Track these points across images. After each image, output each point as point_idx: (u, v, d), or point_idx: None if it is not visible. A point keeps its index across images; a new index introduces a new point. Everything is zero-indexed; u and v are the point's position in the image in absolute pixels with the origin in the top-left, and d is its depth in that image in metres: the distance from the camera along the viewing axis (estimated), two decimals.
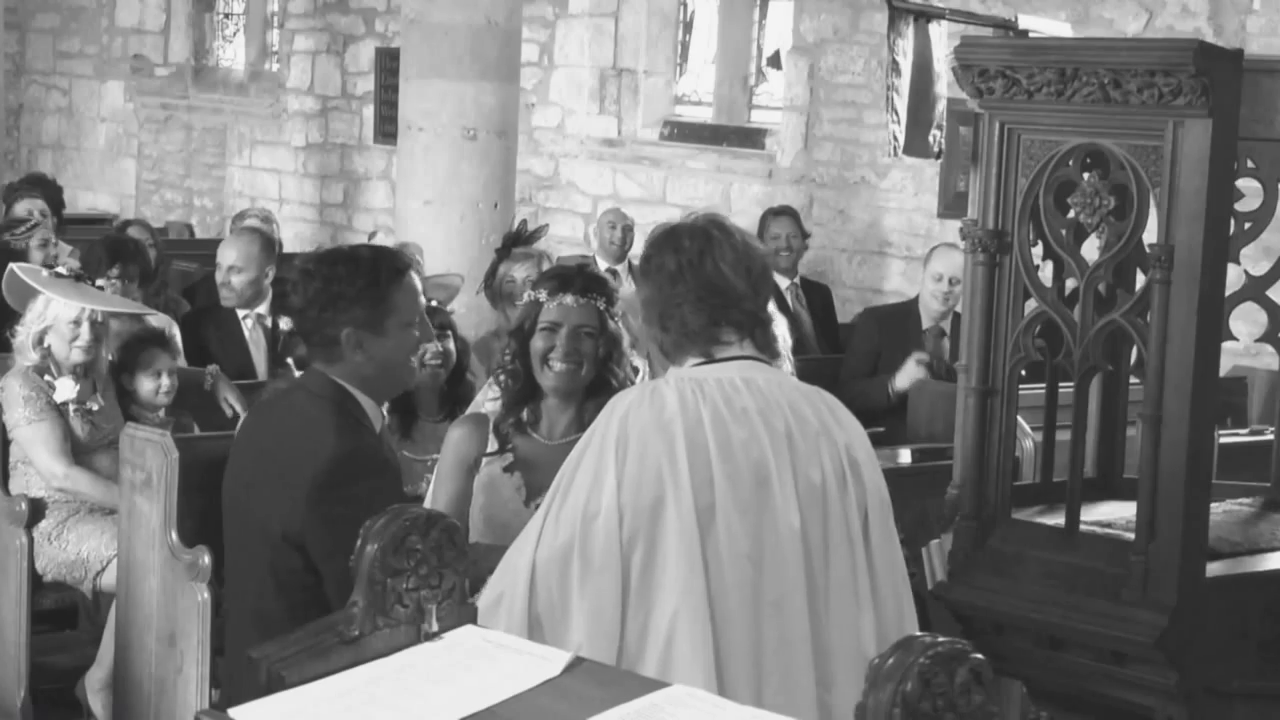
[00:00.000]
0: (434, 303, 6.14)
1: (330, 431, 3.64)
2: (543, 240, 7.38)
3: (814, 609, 3.16)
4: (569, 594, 3.11)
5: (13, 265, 6.35)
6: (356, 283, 3.71)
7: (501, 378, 4.22)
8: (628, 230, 9.92)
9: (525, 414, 4.16)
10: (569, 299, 4.05)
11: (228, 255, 7.35)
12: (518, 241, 6.65)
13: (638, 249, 10.00)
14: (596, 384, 4.07)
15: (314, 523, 3.55)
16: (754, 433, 3.17)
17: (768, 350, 3.32)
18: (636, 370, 4.15)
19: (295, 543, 3.61)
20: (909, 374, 7.04)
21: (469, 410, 4.63)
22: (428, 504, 4.27)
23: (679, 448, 3.13)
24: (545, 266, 6.46)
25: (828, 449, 3.22)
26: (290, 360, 5.65)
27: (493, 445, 4.18)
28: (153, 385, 6.13)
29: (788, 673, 3.13)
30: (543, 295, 4.11)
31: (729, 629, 3.12)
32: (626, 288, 8.99)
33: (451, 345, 5.91)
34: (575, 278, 4.13)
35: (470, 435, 4.23)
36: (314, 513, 3.55)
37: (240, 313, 7.31)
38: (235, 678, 3.81)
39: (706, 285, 3.26)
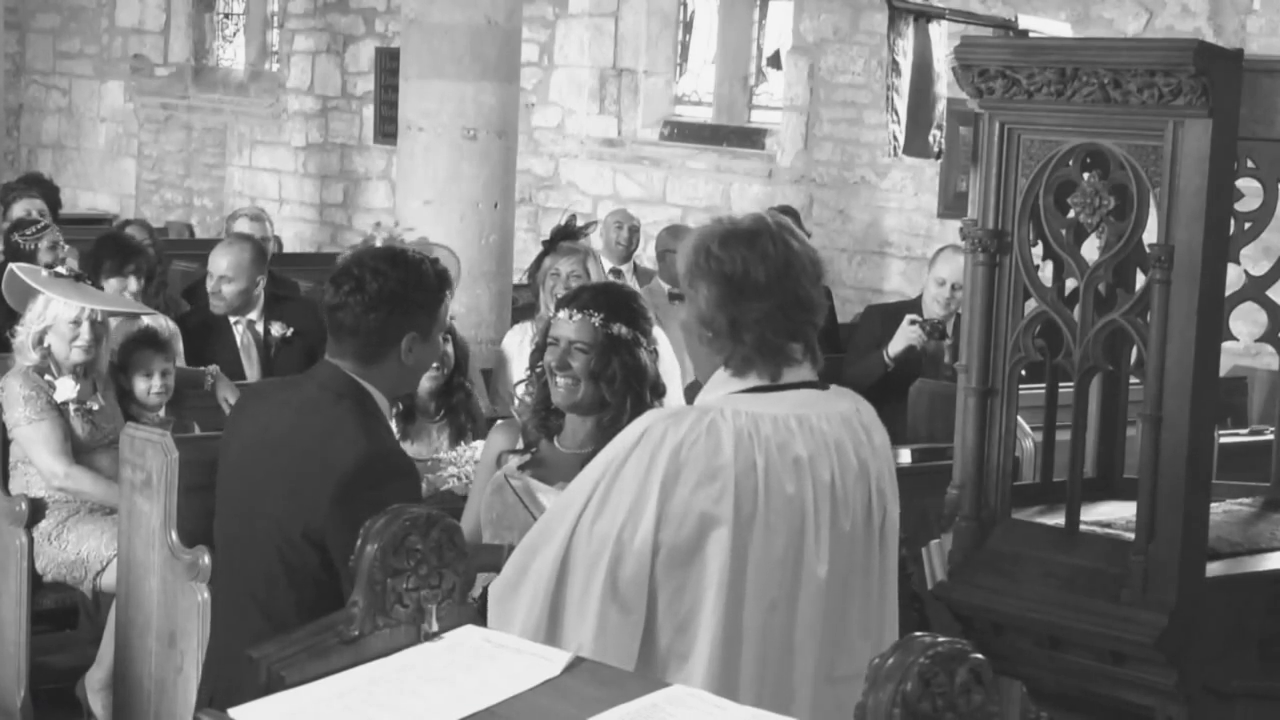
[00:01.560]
0: None
1: (359, 432, 3.65)
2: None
3: (823, 654, 3.16)
4: (588, 608, 3.10)
5: (12, 265, 6.36)
6: (426, 290, 3.75)
7: (529, 384, 4.26)
8: (634, 231, 9.93)
9: (553, 420, 4.16)
10: (563, 314, 4.04)
11: (219, 264, 7.39)
12: (565, 236, 6.66)
13: (641, 249, 10.06)
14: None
15: (338, 523, 3.54)
16: (801, 487, 3.12)
17: (819, 360, 3.26)
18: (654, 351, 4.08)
19: (315, 540, 3.60)
20: (904, 336, 7.02)
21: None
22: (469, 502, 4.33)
23: (727, 497, 3.07)
24: (590, 263, 6.50)
25: (862, 490, 3.20)
26: None
27: (520, 446, 4.22)
28: (145, 385, 6.13)
29: (798, 712, 3.13)
30: (553, 308, 4.16)
31: (745, 671, 3.12)
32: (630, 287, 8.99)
33: (450, 350, 5.92)
34: (581, 293, 4.11)
35: (506, 436, 4.28)
36: (339, 513, 3.54)
37: (231, 319, 7.34)
38: (224, 669, 3.79)
39: (792, 300, 3.15)
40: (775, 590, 3.12)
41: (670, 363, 3.99)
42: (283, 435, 3.75)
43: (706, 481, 3.07)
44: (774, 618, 3.13)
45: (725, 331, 3.16)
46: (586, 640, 3.08)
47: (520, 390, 4.61)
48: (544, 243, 6.76)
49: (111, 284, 6.94)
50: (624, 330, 3.94)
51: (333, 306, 3.76)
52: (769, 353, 3.16)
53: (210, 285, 7.37)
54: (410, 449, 5.80)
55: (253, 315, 7.38)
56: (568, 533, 3.12)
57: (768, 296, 3.14)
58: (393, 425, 5.73)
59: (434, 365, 5.81)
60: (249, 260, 7.38)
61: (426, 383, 5.85)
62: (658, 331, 4.31)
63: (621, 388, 3.93)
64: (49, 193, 10.41)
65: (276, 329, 7.38)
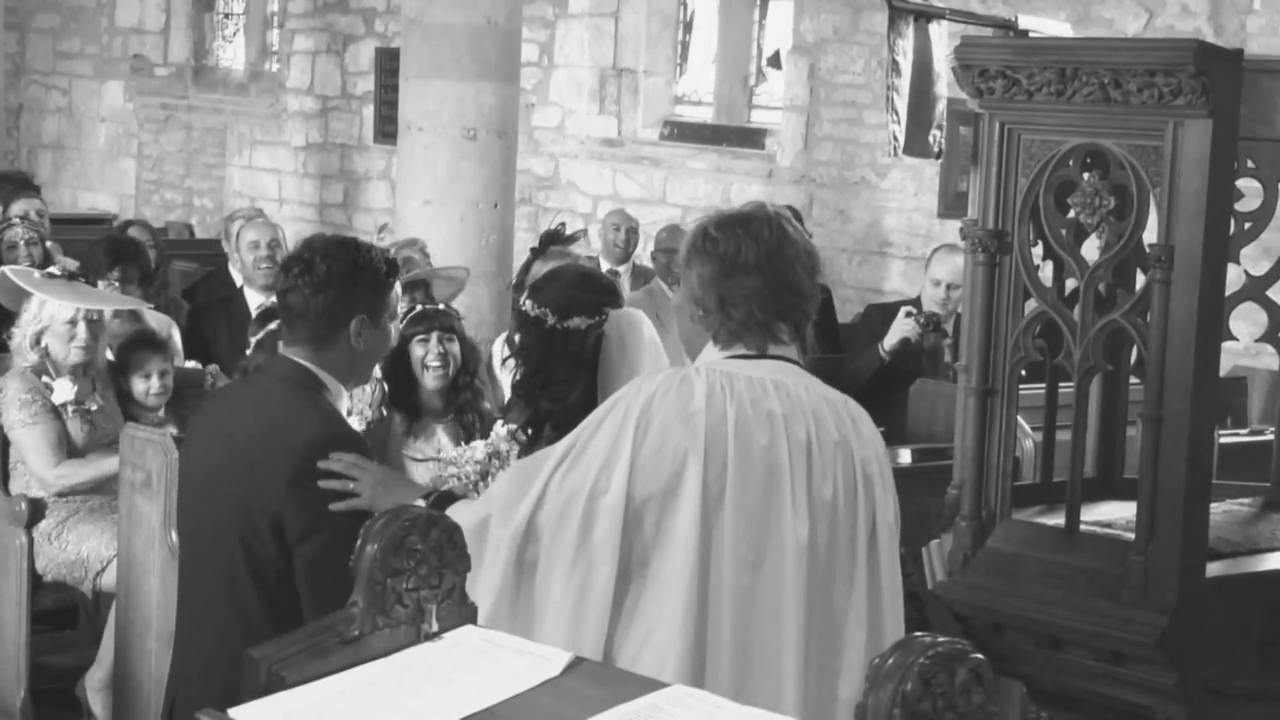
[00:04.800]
0: (442, 306, 6.15)
1: (313, 415, 3.68)
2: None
3: (811, 622, 3.16)
4: (557, 560, 3.12)
5: (4, 268, 6.37)
6: (373, 273, 3.79)
7: None
8: (632, 232, 9.94)
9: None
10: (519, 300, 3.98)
11: (265, 233, 7.97)
12: (555, 241, 6.66)
13: (642, 250, 10.06)
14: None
15: (294, 504, 3.57)
16: (774, 439, 3.16)
17: (807, 349, 3.31)
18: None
19: (275, 526, 3.62)
20: (899, 329, 7.03)
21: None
22: None
23: (699, 442, 3.11)
24: None
25: (843, 463, 3.21)
26: None
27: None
28: (144, 386, 6.13)
29: (775, 683, 3.13)
30: None
31: (719, 630, 3.12)
32: (629, 291, 9.00)
33: (456, 349, 5.91)
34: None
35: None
36: (295, 494, 3.57)
37: (254, 304, 7.44)
38: (190, 668, 3.79)
39: (781, 281, 3.22)
40: (749, 547, 3.12)
41: (655, 364, 3.88)
42: (240, 429, 3.78)
43: (678, 428, 3.12)
44: (755, 579, 3.13)
45: (715, 308, 3.23)
46: (555, 595, 3.10)
47: None
48: (532, 249, 6.76)
49: (101, 286, 6.95)
50: (530, 306, 3.80)
51: (283, 291, 3.81)
52: (755, 327, 3.23)
53: (260, 253, 7.80)
54: (415, 447, 5.80)
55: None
56: (535, 497, 3.15)
57: (756, 274, 3.21)
58: (396, 422, 5.77)
59: (436, 365, 5.83)
60: (282, 232, 8.09)
61: (433, 382, 5.85)
62: (658, 332, 4.25)
63: (524, 366, 3.79)
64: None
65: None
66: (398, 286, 3.93)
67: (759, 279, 3.21)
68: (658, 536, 3.12)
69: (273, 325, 5.41)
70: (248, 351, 5.60)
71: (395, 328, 3.96)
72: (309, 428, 3.65)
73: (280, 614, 3.53)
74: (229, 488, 3.71)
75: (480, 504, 3.28)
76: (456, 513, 3.25)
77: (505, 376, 6.20)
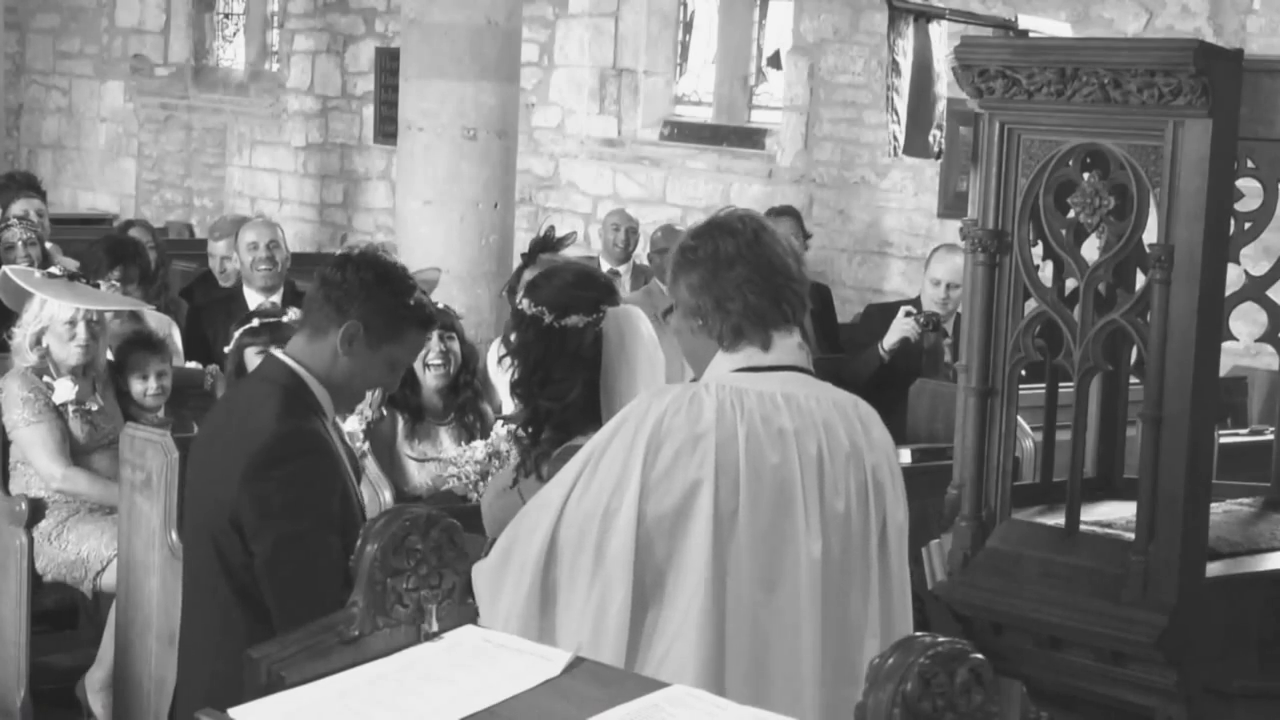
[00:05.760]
0: (441, 305, 6.14)
1: (274, 414, 3.68)
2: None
3: (827, 639, 3.16)
4: (577, 583, 3.11)
5: (5, 268, 6.37)
6: (394, 297, 3.76)
7: None
8: (631, 233, 9.94)
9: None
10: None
11: (263, 234, 7.70)
12: (544, 248, 6.64)
13: (642, 250, 10.06)
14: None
15: (246, 501, 3.59)
16: (786, 457, 3.14)
17: (809, 339, 3.30)
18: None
19: (235, 524, 3.64)
20: (899, 328, 7.04)
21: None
22: None
23: (709, 463, 3.09)
24: None
25: (854, 473, 3.20)
26: None
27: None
28: (141, 387, 6.12)
29: (792, 699, 3.12)
30: None
31: (737, 649, 3.11)
32: (629, 291, 9.00)
33: (457, 347, 5.91)
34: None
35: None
36: (246, 490, 3.59)
37: (254, 304, 7.44)
38: (192, 673, 3.82)
39: (766, 264, 3.21)
40: (763, 566, 3.11)
41: (652, 361, 3.85)
42: (222, 429, 3.81)
43: (689, 449, 3.10)
44: (770, 597, 3.12)
45: (711, 309, 3.22)
46: (574, 619, 3.09)
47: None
48: (523, 255, 6.76)
49: (102, 286, 6.96)
50: (527, 305, 3.78)
51: (315, 274, 3.83)
52: (755, 317, 3.21)
53: (258, 255, 7.61)
54: (416, 448, 5.81)
55: (276, 298, 7.48)
56: (554, 515, 3.14)
57: (741, 264, 3.20)
58: (400, 425, 5.76)
59: (438, 364, 5.84)
60: (281, 233, 7.76)
61: (434, 381, 5.85)
62: (653, 332, 4.24)
63: (521, 364, 3.76)
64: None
65: (293, 313, 7.46)
66: (419, 343, 3.93)
67: (746, 267, 3.20)
68: (671, 557, 3.10)
69: (240, 331, 5.41)
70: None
71: (389, 372, 3.90)
72: (265, 425, 3.66)
73: (253, 610, 3.56)
74: (206, 487, 3.75)
75: (501, 540, 3.26)
76: (481, 566, 3.23)
77: (503, 377, 6.21)
